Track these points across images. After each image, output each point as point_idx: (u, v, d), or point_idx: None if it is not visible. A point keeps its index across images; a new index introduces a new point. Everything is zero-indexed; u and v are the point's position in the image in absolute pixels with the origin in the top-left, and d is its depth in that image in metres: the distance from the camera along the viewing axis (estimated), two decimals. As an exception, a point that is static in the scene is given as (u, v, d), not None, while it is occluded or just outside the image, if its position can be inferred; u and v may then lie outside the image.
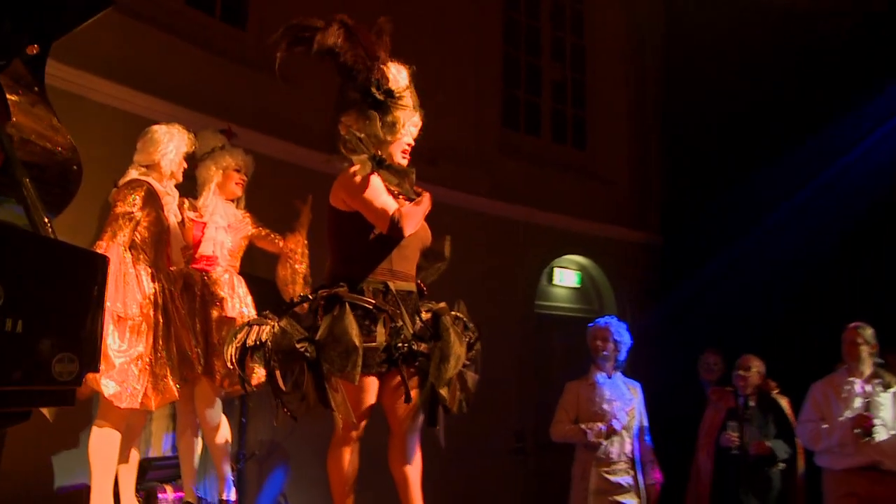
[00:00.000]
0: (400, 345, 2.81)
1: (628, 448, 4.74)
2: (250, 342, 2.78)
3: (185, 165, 3.81)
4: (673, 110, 7.94)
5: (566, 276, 7.80)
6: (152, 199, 3.58)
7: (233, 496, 3.82)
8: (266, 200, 4.27)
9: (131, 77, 4.59)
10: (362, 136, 2.88)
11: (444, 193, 3.07)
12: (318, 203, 3.60)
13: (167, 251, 3.68)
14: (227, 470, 3.81)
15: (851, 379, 4.62)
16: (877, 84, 6.10)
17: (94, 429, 3.40)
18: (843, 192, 6.12)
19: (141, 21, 4.79)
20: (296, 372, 2.74)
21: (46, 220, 2.05)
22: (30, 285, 1.83)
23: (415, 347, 2.85)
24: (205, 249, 3.90)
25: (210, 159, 4.00)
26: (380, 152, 2.94)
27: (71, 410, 2.66)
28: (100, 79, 4.43)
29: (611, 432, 4.68)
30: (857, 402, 4.55)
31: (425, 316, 2.94)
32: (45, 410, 2.63)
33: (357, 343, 2.70)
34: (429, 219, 3.03)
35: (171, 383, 3.45)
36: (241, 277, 3.99)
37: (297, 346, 2.72)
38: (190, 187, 3.98)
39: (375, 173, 2.88)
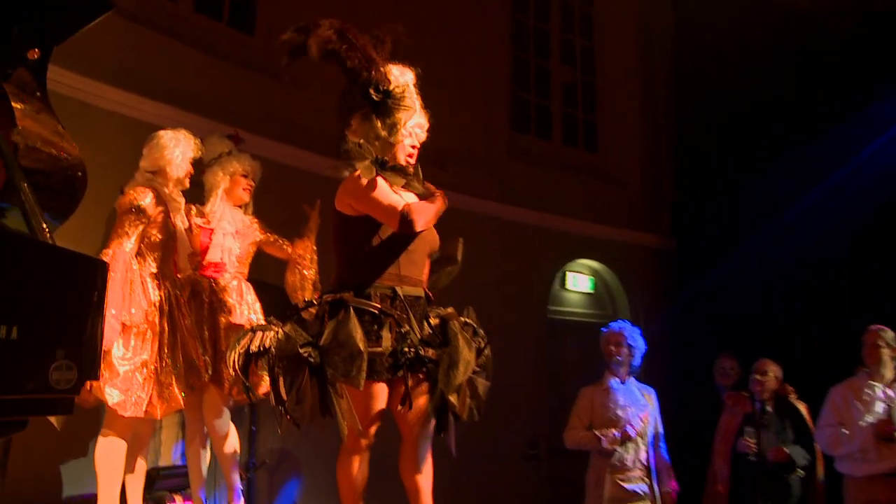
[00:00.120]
0: (406, 350, 2.76)
1: (643, 455, 4.66)
2: (254, 348, 2.74)
3: (192, 171, 3.78)
4: (682, 111, 7.88)
5: (579, 280, 7.74)
6: (159, 205, 3.55)
7: (241, 506, 3.77)
8: (273, 205, 4.24)
9: (138, 83, 4.57)
10: (361, 142, 2.86)
11: (454, 197, 3.03)
12: (325, 208, 3.56)
13: (174, 258, 3.65)
14: (236, 479, 3.77)
15: (872, 383, 4.53)
16: (887, 86, 6.01)
17: (100, 438, 3.37)
18: (854, 193, 6.03)
19: (147, 27, 4.78)
20: (300, 378, 2.69)
21: (45, 225, 2.02)
22: (26, 291, 1.80)
23: (422, 353, 2.79)
24: (212, 256, 3.86)
25: (217, 165, 3.97)
26: (383, 154, 2.90)
27: (79, 419, 2.63)
28: (106, 85, 4.42)
29: (625, 438, 4.61)
30: (879, 407, 4.46)
31: (434, 321, 2.89)
32: (52, 419, 2.60)
33: (361, 348, 2.65)
34: (438, 223, 2.99)
35: (177, 391, 3.42)
36: (249, 284, 3.95)
37: (301, 350, 2.68)
38: (197, 193, 3.95)
39: (380, 176, 2.84)
